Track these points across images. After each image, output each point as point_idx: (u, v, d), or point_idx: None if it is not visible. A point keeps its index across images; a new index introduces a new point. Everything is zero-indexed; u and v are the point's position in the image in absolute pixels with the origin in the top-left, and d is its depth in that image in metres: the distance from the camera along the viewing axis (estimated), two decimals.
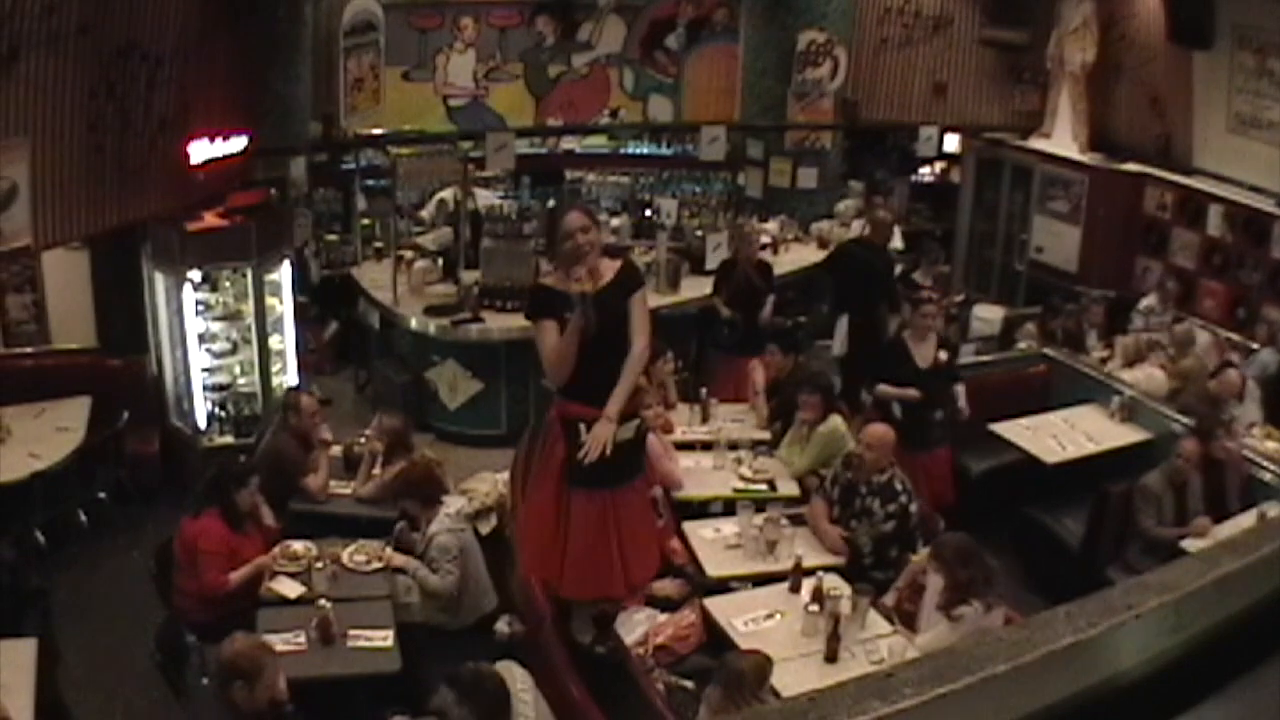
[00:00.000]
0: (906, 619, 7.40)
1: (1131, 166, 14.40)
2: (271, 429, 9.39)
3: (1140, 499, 9.03)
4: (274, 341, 11.25)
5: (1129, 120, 14.69)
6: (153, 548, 8.34)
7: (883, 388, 9.74)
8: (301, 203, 13.36)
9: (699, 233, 13.74)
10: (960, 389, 9.88)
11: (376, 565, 7.81)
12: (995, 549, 8.00)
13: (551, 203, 14.88)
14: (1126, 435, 10.22)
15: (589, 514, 6.71)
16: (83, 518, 10.05)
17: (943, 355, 9.79)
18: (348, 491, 8.96)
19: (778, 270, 13.74)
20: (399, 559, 7.78)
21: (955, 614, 6.86)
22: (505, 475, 9.10)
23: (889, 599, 7.58)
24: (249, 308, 10.83)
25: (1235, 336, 12.54)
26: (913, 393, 9.56)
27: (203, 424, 10.88)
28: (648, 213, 14.62)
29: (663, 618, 7.48)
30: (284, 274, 11.35)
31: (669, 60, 17.03)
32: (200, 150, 10.43)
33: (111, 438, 10.27)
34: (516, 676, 6.11)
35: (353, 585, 7.64)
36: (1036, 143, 15.59)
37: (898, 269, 14.16)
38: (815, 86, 15.63)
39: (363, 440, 9.24)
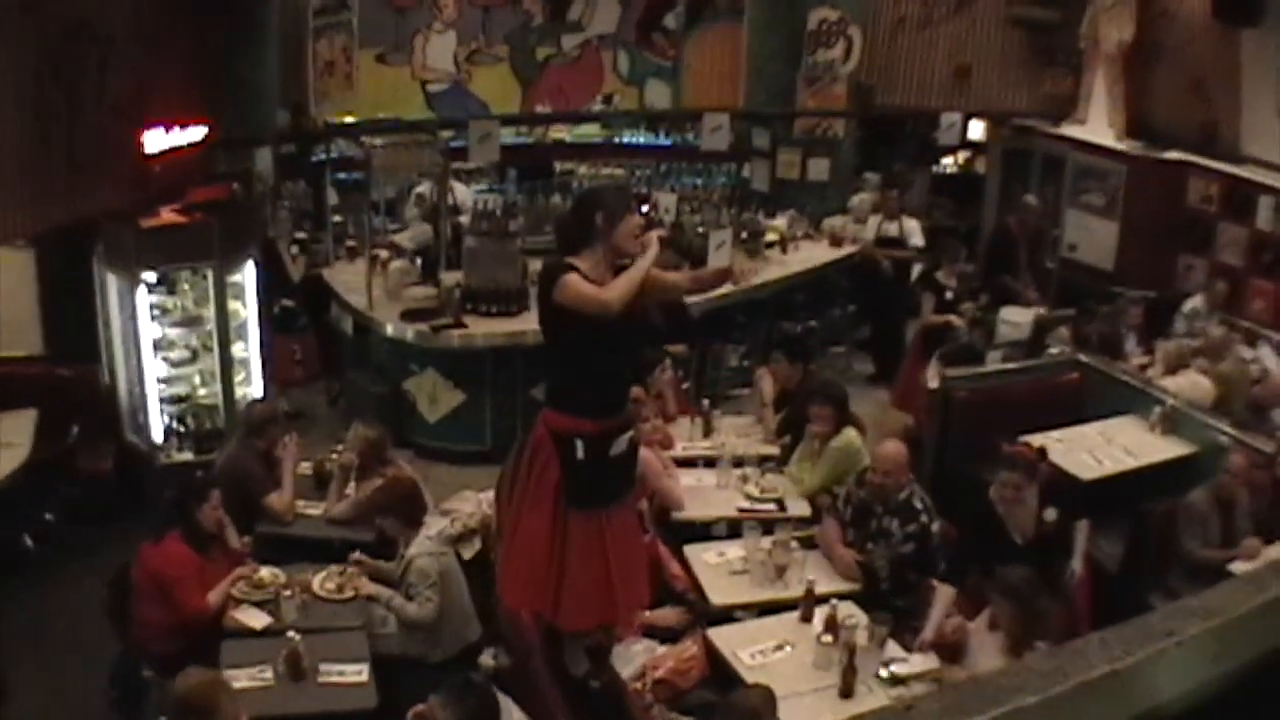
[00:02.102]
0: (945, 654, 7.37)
1: (1173, 155, 14.42)
2: (231, 444, 9.38)
3: (1184, 519, 9.02)
4: (237, 349, 11.23)
5: (1170, 105, 14.71)
6: (108, 574, 8.30)
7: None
8: (268, 198, 13.36)
9: (700, 230, 13.71)
10: (1080, 534, 8.50)
11: (350, 593, 7.80)
12: None
13: (540, 196, 14.88)
14: (1168, 449, 10.19)
15: (587, 537, 6.72)
16: (29, 542, 10.03)
17: (1049, 515, 8.23)
18: (318, 512, 8.93)
19: (784, 271, 13.80)
20: (370, 587, 7.75)
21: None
22: (490, 495, 9.06)
23: (927, 635, 7.53)
24: (210, 312, 10.81)
25: None
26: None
27: (159, 439, 10.87)
28: (644, 208, 14.63)
29: (662, 649, 7.48)
30: (248, 275, 11.33)
31: (668, 42, 17.08)
32: (157, 140, 10.44)
33: (61, 454, 10.25)
34: (508, 710, 6.14)
35: (324, 615, 7.64)
36: (1069, 130, 15.60)
37: (916, 269, 14.23)
38: (827, 70, 15.67)
39: (335, 455, 9.22)
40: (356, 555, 8.01)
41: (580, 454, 6.56)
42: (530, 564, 6.78)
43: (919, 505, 8.14)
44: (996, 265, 13.58)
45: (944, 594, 7.82)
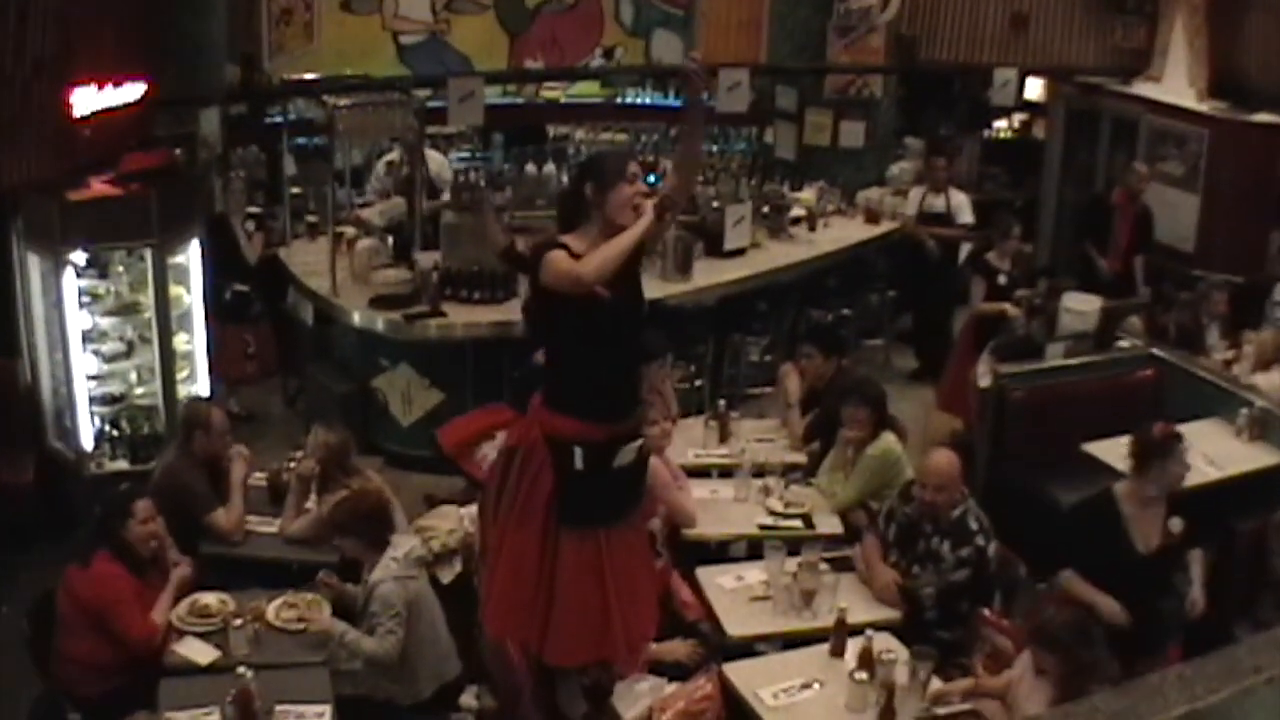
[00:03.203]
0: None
1: (1265, 117, 14.38)
2: (169, 451, 9.34)
3: (1276, 538, 9.01)
4: (179, 341, 11.20)
5: (1262, 59, 14.67)
6: (26, 603, 8.26)
7: (1073, 583, 8.09)
8: (215, 166, 13.34)
9: (716, 204, 13.73)
10: (1196, 563, 8.44)
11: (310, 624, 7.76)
12: None
13: (531, 164, 14.86)
14: (1258, 458, 10.15)
15: (581, 559, 6.69)
16: None
17: (1175, 525, 8.17)
18: (273, 530, 8.89)
19: (813, 251, 13.78)
20: (325, 620, 7.68)
21: None
22: (473, 510, 9.05)
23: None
24: (148, 299, 10.79)
25: None
26: (1110, 604, 7.88)
27: (89, 445, 10.84)
28: (651, 179, 14.61)
29: (672, 688, 7.45)
30: (192, 256, 11.31)
31: None
32: (86, 100, 10.39)
33: None
34: None
35: (280, 649, 7.59)
36: (1143, 88, 15.58)
37: (965, 250, 14.19)
38: (862, 19, 15.64)
39: (292, 464, 9.18)
40: (324, 575, 7.98)
41: (579, 464, 6.53)
42: (515, 588, 6.76)
43: (974, 525, 8.10)
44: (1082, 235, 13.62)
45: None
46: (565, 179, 14.49)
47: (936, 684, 7.20)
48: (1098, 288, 13.20)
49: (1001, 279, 12.91)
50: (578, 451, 6.51)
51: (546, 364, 6.90)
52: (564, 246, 6.35)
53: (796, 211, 14.40)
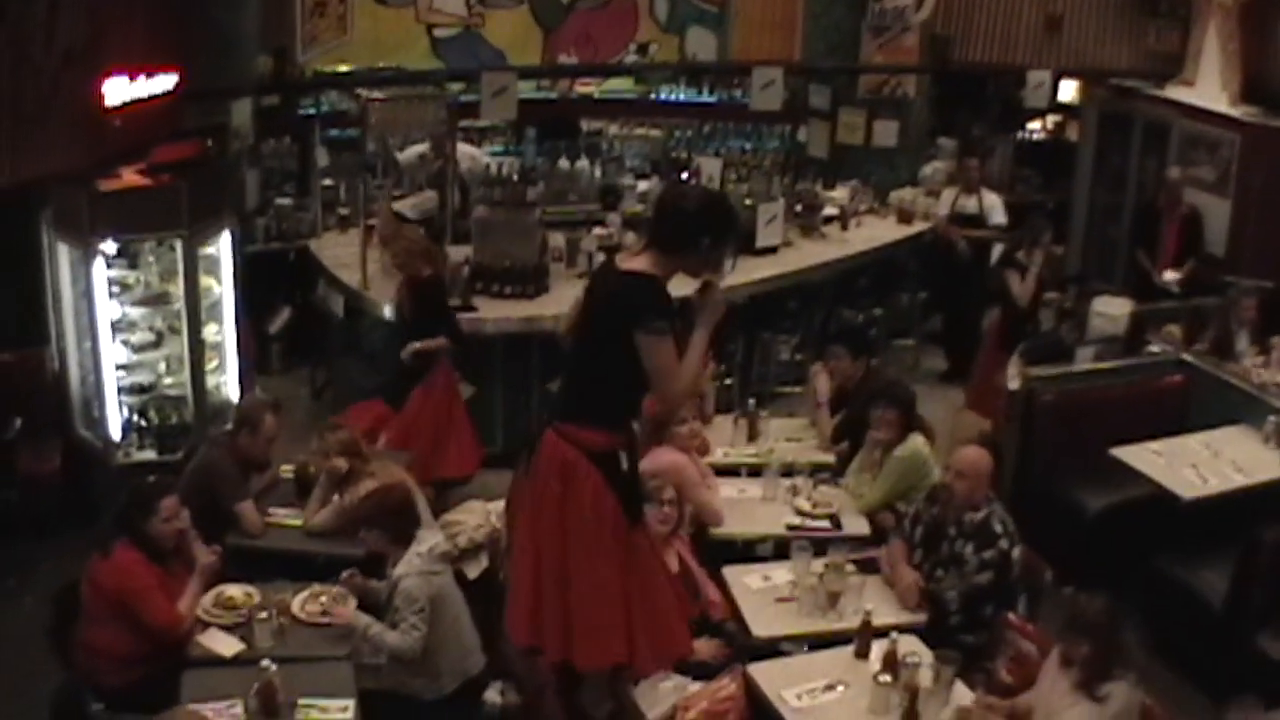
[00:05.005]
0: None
1: None
2: (209, 441, 9.29)
3: None
4: (209, 332, 11.21)
5: None
6: (50, 592, 8.22)
7: None
8: (246, 157, 13.32)
9: (748, 202, 13.68)
10: None
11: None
12: None
13: (564, 159, 14.82)
14: None
15: (650, 554, 6.87)
16: None
17: None
18: (297, 523, 8.84)
19: (845, 251, 13.73)
20: (349, 613, 7.60)
21: (1101, 693, 6.74)
22: (499, 505, 9.00)
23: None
24: (178, 289, 10.77)
25: None
26: None
27: (117, 435, 10.80)
28: (684, 175, 14.59)
29: (695, 687, 7.40)
30: (223, 247, 11.30)
31: None
32: (117, 90, 10.38)
33: None
34: None
35: (304, 642, 7.55)
36: (1175, 92, 15.51)
37: (996, 250, 14.13)
38: (896, 18, 15.60)
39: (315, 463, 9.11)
40: (348, 574, 7.91)
41: (625, 465, 6.64)
42: (604, 615, 6.66)
43: (998, 528, 8.03)
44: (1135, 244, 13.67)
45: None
46: (599, 174, 14.51)
47: (960, 688, 7.16)
48: (1154, 296, 13.23)
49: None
50: (622, 456, 6.60)
51: (595, 389, 6.76)
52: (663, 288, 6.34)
53: (829, 210, 14.38)
